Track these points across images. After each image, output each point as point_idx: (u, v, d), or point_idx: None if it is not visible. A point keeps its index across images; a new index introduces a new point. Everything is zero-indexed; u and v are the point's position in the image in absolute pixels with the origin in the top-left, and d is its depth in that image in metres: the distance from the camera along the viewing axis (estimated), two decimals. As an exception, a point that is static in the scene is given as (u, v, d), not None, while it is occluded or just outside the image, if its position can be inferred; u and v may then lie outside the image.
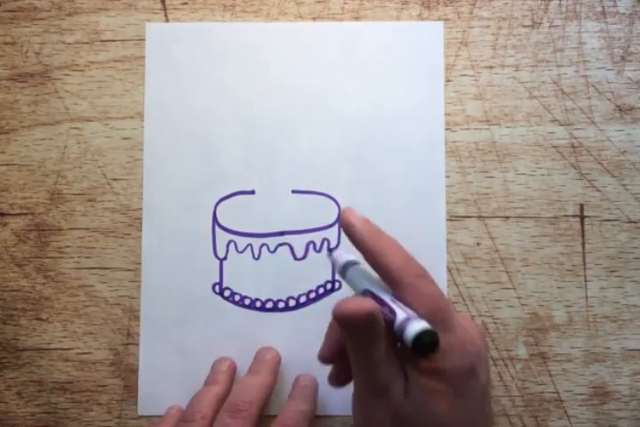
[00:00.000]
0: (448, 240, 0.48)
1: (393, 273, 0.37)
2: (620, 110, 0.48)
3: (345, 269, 0.40)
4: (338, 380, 0.42)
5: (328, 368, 0.43)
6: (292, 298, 0.48)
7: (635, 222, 0.48)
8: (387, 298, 0.36)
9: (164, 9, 0.50)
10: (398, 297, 0.36)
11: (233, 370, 0.47)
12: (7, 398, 0.49)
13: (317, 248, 0.48)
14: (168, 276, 0.49)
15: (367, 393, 0.38)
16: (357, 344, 0.36)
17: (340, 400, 0.48)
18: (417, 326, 0.34)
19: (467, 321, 0.39)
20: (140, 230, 0.49)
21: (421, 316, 0.35)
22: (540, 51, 0.49)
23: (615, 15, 0.49)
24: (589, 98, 0.49)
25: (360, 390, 0.39)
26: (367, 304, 0.35)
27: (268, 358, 0.47)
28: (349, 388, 0.47)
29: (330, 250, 0.47)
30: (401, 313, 0.35)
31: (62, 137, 0.50)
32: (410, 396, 0.36)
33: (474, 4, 0.49)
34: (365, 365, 0.37)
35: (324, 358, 0.42)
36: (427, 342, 0.33)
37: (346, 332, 0.36)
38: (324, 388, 0.47)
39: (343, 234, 0.48)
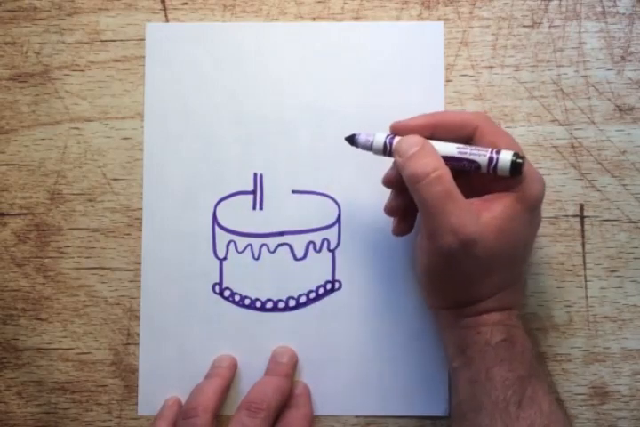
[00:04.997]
0: (448, 240, 0.48)
1: (469, 122, 0.42)
2: (620, 110, 0.48)
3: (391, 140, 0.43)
4: (399, 230, 0.45)
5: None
6: (292, 298, 0.48)
7: (635, 222, 0.48)
8: (461, 145, 0.41)
9: (164, 9, 0.50)
10: (478, 143, 0.42)
11: (234, 365, 0.47)
12: (7, 398, 0.49)
13: (317, 248, 0.48)
14: (168, 276, 0.49)
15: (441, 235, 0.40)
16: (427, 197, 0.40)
17: (340, 400, 0.48)
18: (508, 151, 0.40)
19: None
20: (140, 230, 0.49)
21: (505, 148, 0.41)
22: (539, 51, 0.49)
23: (615, 15, 0.49)
24: (589, 98, 0.49)
25: (429, 235, 0.41)
26: (433, 164, 0.40)
27: (284, 361, 0.47)
28: (348, 388, 0.48)
29: (351, 138, 0.44)
30: (486, 149, 0.41)
31: (62, 137, 0.50)
32: (488, 227, 0.40)
33: (474, 4, 0.49)
34: (437, 214, 0.40)
35: (389, 211, 0.45)
36: (520, 162, 0.40)
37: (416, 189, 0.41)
38: (325, 389, 0.48)
39: (343, 235, 0.48)
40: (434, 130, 0.42)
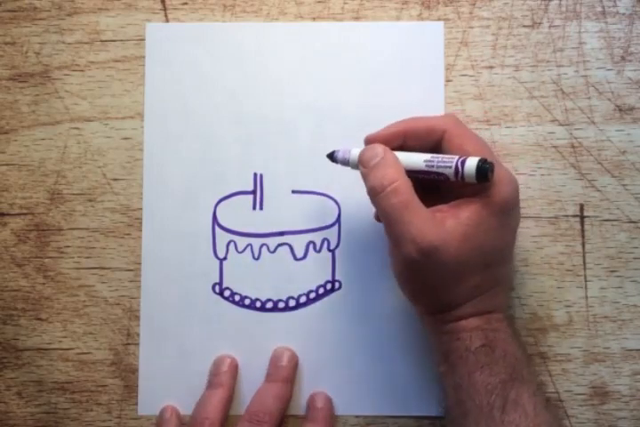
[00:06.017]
0: (448, 240, 0.48)
1: (437, 127, 0.42)
2: (620, 110, 0.48)
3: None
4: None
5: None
6: (292, 298, 0.48)
7: (635, 222, 0.48)
8: (428, 155, 0.42)
9: (164, 9, 0.50)
10: (446, 147, 0.42)
11: (235, 369, 0.47)
12: (7, 398, 0.49)
13: (317, 248, 0.48)
14: (168, 275, 0.49)
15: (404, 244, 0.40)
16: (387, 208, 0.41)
17: (340, 400, 0.47)
18: (473, 159, 0.40)
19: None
20: (140, 230, 0.49)
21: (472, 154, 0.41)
22: (539, 51, 0.49)
23: (615, 15, 0.49)
24: (589, 98, 0.49)
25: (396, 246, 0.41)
26: (390, 175, 0.41)
27: (284, 364, 0.47)
28: (348, 388, 0.48)
29: (331, 155, 0.45)
30: (453, 157, 0.41)
31: (62, 137, 0.50)
32: (452, 234, 0.40)
33: (474, 4, 0.49)
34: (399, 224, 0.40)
35: (378, 218, 0.45)
36: (486, 168, 0.40)
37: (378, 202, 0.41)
38: (325, 389, 0.47)
39: (343, 235, 0.48)
40: (404, 138, 0.43)
